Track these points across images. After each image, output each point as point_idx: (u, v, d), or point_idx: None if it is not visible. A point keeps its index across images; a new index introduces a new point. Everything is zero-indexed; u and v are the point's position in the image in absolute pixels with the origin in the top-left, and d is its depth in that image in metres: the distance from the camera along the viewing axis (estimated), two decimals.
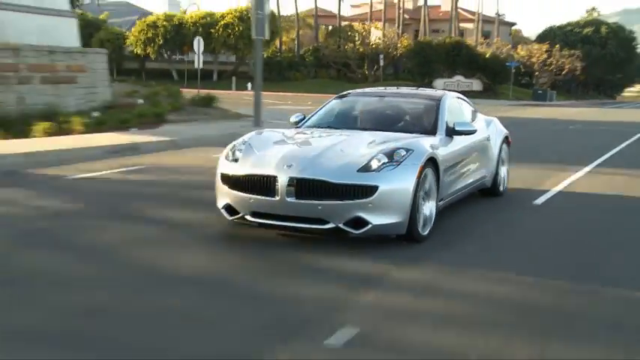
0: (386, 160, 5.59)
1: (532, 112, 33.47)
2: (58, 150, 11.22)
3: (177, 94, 22.26)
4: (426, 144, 6.08)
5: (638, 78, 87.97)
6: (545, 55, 54.99)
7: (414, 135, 6.54)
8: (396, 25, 55.99)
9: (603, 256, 5.70)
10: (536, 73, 55.87)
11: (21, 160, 10.21)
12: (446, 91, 8.11)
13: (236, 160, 5.95)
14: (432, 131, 6.74)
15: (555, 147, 15.12)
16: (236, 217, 5.80)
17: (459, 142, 6.90)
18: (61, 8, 19.61)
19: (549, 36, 61.34)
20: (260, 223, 5.74)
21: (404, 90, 8.79)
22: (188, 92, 23.72)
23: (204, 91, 23.87)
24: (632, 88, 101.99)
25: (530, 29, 61.38)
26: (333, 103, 7.80)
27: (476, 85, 48.33)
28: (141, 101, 19.64)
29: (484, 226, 6.70)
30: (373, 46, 51.42)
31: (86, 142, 12.23)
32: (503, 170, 8.48)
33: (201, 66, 29.13)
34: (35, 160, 10.29)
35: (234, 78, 45.99)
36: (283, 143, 6.27)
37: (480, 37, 57.97)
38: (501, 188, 8.41)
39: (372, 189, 5.40)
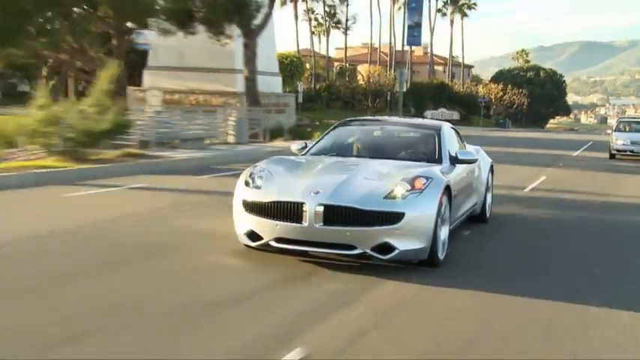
0: (409, 187, 5.85)
1: (506, 134, 47.66)
2: None
3: (321, 119, 37.25)
4: (439, 172, 6.43)
5: (562, 112, 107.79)
6: (501, 93, 72.27)
7: (422, 163, 6.91)
8: (387, 67, 72.21)
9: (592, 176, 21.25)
10: (494, 106, 72.98)
11: None
12: (441, 121, 8.64)
13: (258, 187, 6.11)
14: (437, 160, 7.12)
15: (556, 145, 30.86)
16: (259, 242, 5.97)
17: (461, 170, 7.31)
18: (277, 71, 34.53)
19: (501, 77, 79.02)
20: (282, 249, 5.90)
21: (401, 119, 9.40)
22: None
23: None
24: (553, 120, 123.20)
25: (471, 61, 78.43)
26: (336, 132, 8.05)
27: (455, 115, 64.60)
28: (317, 123, 34.56)
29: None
30: (375, 84, 67.26)
31: None
32: (489, 197, 8.92)
33: (300, 100, 44.02)
34: None
35: None
36: (303, 170, 6.52)
37: (450, 78, 75.06)
38: (488, 214, 8.85)
39: (399, 215, 5.65)
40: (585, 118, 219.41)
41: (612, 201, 12.16)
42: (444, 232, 6.17)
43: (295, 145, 7.85)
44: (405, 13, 64.78)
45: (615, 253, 7.59)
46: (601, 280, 6.25)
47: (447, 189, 6.17)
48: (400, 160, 7.10)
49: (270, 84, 33.05)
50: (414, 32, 32.77)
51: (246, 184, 6.23)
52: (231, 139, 20.84)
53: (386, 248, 5.65)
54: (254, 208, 5.98)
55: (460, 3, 73.80)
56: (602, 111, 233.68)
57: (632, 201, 12.35)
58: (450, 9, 74.43)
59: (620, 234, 8.84)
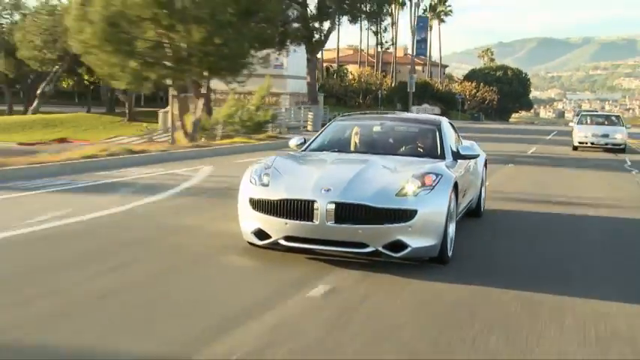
0: (419, 184, 5.81)
1: (483, 125, 56.61)
2: None
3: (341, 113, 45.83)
4: (447, 168, 6.50)
5: (526, 107, 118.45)
6: (474, 90, 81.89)
7: (425, 159, 6.95)
8: (375, 68, 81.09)
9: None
10: (469, 102, 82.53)
11: None
12: (440, 117, 8.60)
13: (265, 185, 6.03)
14: (440, 155, 7.13)
15: (530, 133, 39.84)
16: (267, 241, 5.91)
17: (461, 166, 7.37)
18: (304, 75, 43.01)
19: (473, 76, 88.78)
20: (291, 247, 5.86)
21: (399, 114, 9.61)
22: None
23: None
24: (516, 114, 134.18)
25: (434, 57, 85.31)
26: (335, 127, 7.98)
27: (437, 110, 73.64)
28: None
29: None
30: (366, 83, 76.11)
31: None
32: (483, 191, 8.96)
33: None
34: None
35: None
36: (309, 167, 6.56)
37: (429, 77, 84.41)
38: (482, 209, 8.90)
39: (412, 213, 5.62)
40: (544, 113, 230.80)
41: (582, 158, 21.30)
42: (451, 229, 6.21)
43: (294, 140, 7.85)
44: (394, 18, 73.39)
45: (583, 170, 16.62)
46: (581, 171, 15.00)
47: (455, 185, 6.23)
48: (402, 155, 7.22)
49: (301, 85, 41.52)
50: (421, 45, 41.32)
51: (252, 181, 6.16)
52: (309, 127, 29.23)
53: (398, 246, 5.64)
54: (262, 206, 5.93)
55: (438, 10, 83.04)
56: (560, 106, 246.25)
57: (592, 158, 21.51)
58: (429, 15, 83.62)
59: (590, 168, 17.75)
